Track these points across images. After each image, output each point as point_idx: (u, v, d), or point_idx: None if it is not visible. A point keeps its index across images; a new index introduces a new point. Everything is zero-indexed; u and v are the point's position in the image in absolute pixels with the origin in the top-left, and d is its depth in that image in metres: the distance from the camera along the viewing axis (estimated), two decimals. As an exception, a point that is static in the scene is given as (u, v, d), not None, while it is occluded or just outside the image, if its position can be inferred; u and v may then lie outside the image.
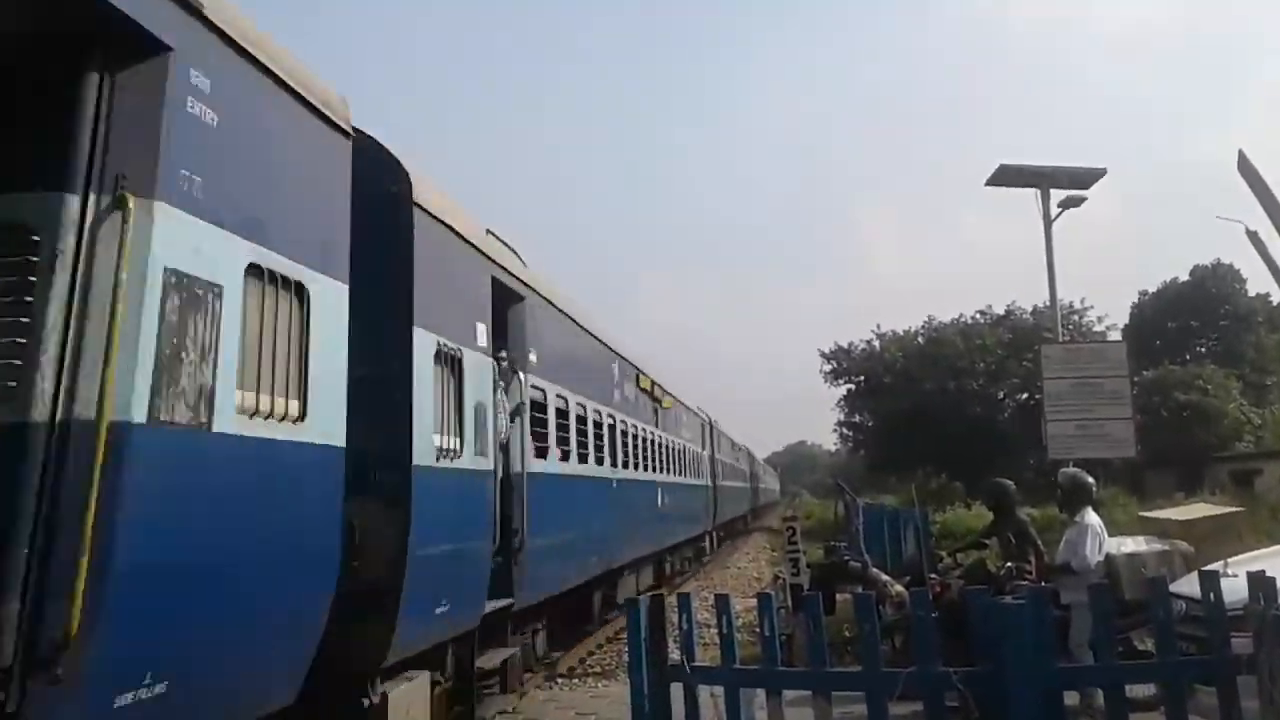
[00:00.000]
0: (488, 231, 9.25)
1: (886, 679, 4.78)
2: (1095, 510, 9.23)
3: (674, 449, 20.90)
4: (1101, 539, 8.75)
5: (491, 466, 8.46)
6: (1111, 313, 72.61)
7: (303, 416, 5.15)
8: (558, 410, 11.34)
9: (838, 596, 10.31)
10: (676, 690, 5.20)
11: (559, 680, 12.17)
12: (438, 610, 7.13)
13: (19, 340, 3.73)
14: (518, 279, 9.94)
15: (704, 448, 27.46)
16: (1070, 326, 43.23)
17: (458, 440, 7.62)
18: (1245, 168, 7.37)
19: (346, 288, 5.78)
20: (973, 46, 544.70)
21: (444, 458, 7.27)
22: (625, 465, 15.02)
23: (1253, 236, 8.05)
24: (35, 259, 3.83)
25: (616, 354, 15.43)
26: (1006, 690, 4.46)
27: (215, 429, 4.42)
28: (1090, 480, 9.45)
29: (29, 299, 3.79)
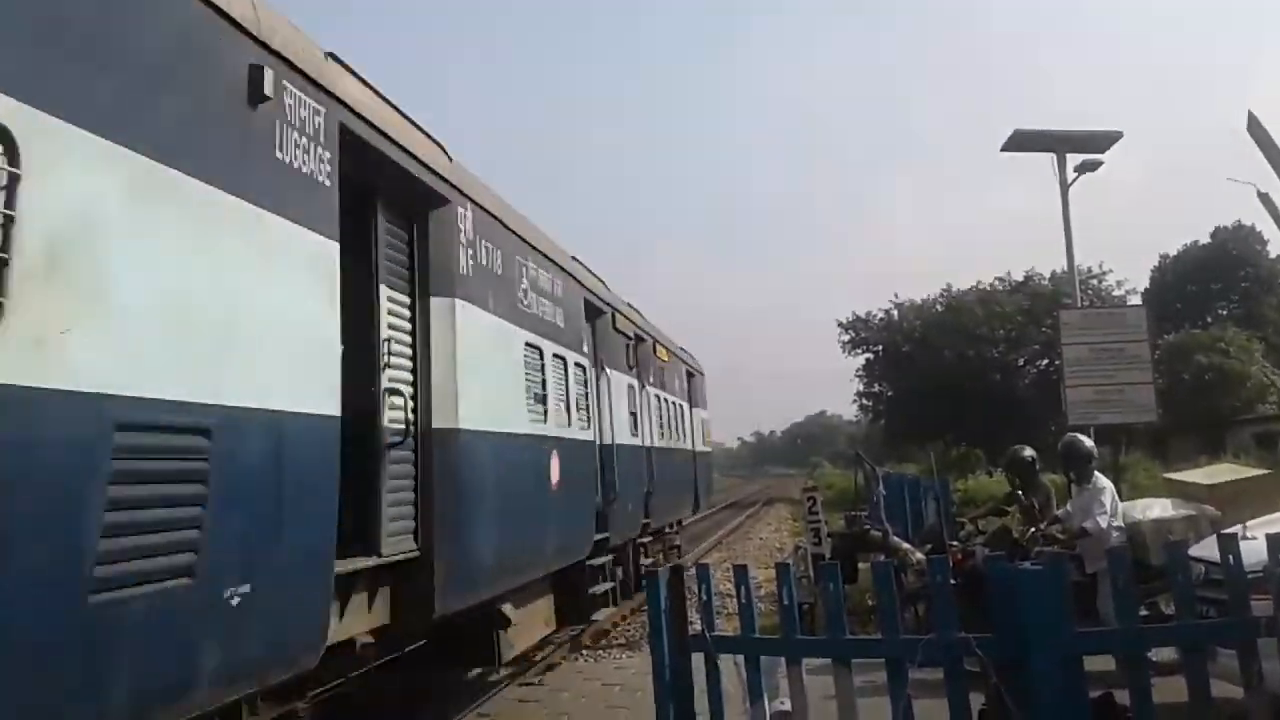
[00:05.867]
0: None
1: (905, 646, 4.81)
2: (1103, 475, 9.24)
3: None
4: (1115, 502, 8.73)
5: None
6: (1131, 277, 72.10)
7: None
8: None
9: (859, 565, 10.36)
10: (698, 660, 5.25)
11: (584, 651, 12.28)
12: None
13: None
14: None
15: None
16: (1089, 291, 42.91)
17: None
18: (1256, 129, 7.30)
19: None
20: (990, 13, 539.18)
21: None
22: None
23: (1264, 199, 7.99)
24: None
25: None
26: (1025, 656, 4.49)
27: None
28: (1090, 444, 9.43)
29: None
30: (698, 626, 5.29)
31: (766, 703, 5.15)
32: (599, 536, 11.60)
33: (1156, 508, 8.98)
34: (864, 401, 57.11)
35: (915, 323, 50.11)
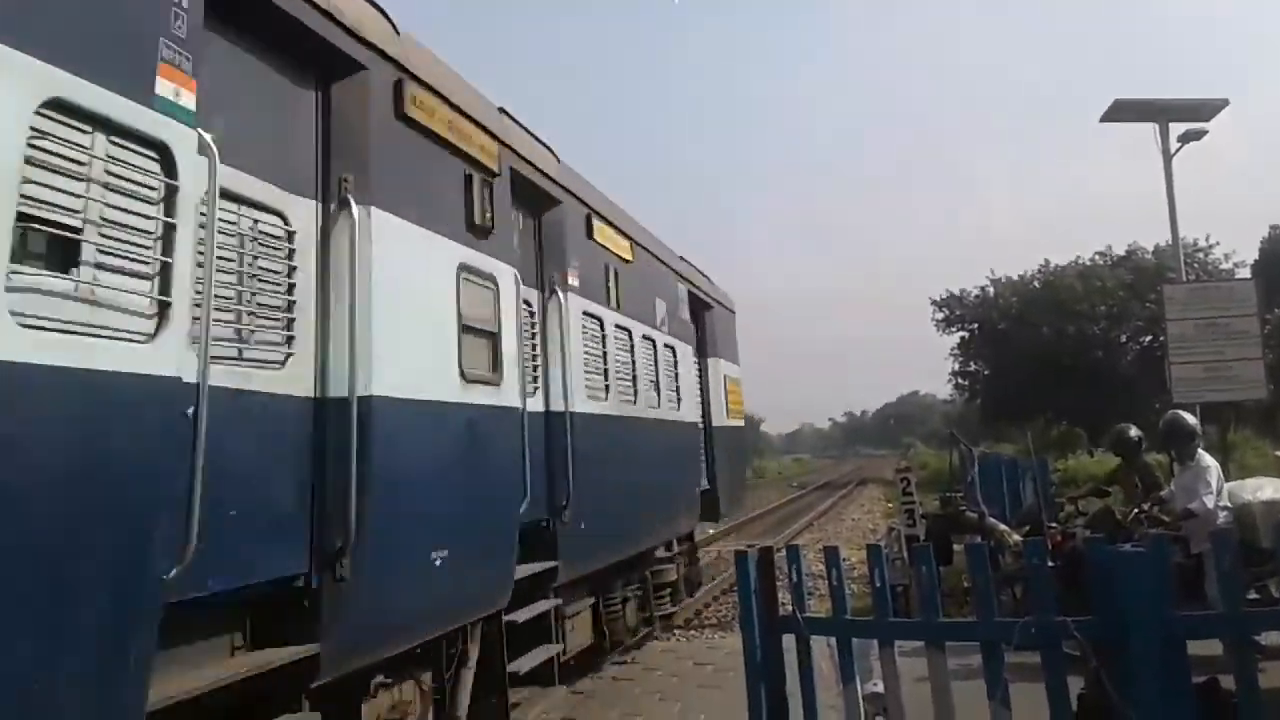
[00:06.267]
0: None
1: (1001, 629, 4.74)
2: (1208, 453, 8.99)
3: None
4: (1221, 481, 8.49)
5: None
6: (1239, 249, 69.23)
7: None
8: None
9: (954, 547, 10.24)
10: (790, 642, 5.25)
11: (676, 631, 12.36)
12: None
13: None
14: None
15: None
16: (1195, 265, 41.46)
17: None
18: None
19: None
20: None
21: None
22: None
23: None
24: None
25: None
26: (1125, 639, 4.40)
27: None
28: (1193, 422, 9.16)
29: None
30: (789, 608, 5.29)
31: (859, 685, 5.13)
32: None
33: (1269, 488, 8.71)
34: (959, 380, 56.11)
35: (1012, 299, 48.99)
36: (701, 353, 14.15)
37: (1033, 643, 4.66)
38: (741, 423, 16.20)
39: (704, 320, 14.32)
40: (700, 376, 14.02)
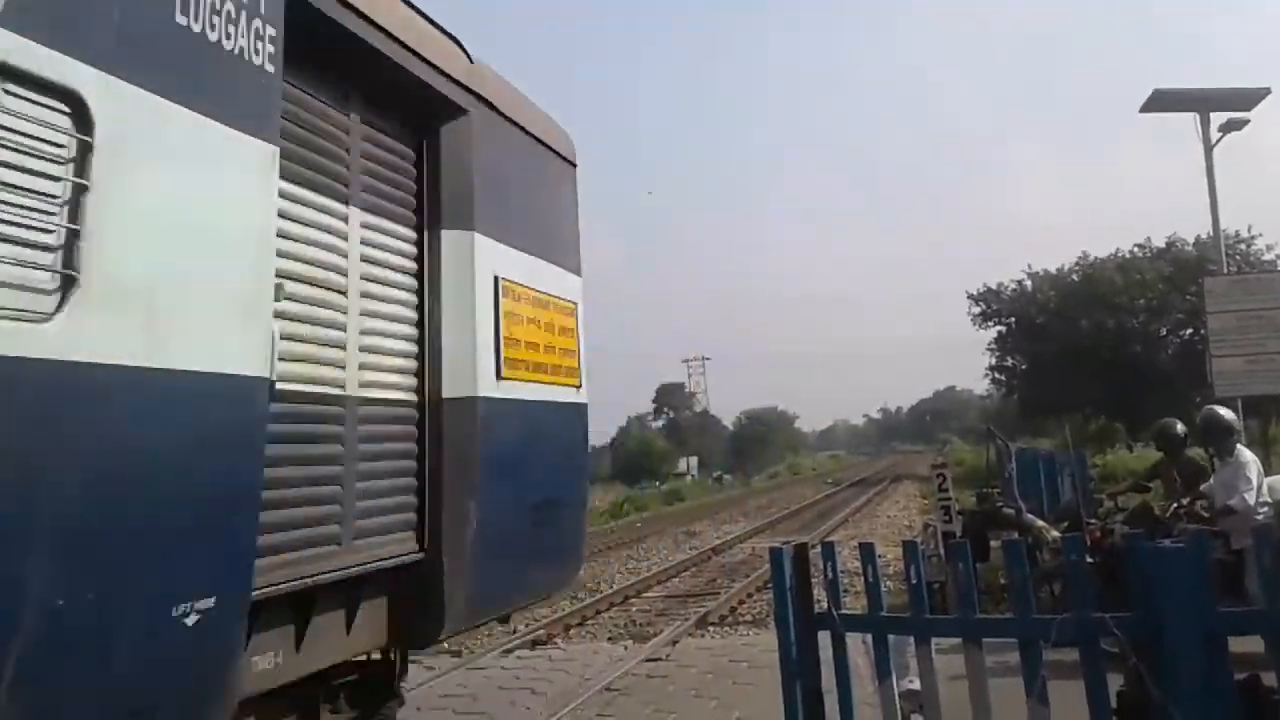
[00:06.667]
0: None
1: (1039, 625, 4.70)
2: (1248, 449, 8.88)
3: None
4: (1261, 477, 8.39)
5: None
6: (1282, 241, 68.21)
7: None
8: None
9: (991, 543, 10.17)
10: (825, 638, 5.23)
11: (710, 628, 12.35)
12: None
13: None
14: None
15: None
16: (1237, 257, 40.89)
17: None
18: None
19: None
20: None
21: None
22: None
23: None
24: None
25: None
26: (1164, 635, 4.35)
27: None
28: (1231, 417, 9.05)
29: None
30: (824, 604, 5.26)
31: (895, 682, 5.10)
32: None
33: None
34: (996, 375, 55.68)
35: (1050, 293, 48.56)
36: (433, 219, 5.87)
37: (1071, 639, 4.61)
38: (579, 396, 7.49)
39: (440, 143, 5.92)
40: (421, 275, 5.79)
